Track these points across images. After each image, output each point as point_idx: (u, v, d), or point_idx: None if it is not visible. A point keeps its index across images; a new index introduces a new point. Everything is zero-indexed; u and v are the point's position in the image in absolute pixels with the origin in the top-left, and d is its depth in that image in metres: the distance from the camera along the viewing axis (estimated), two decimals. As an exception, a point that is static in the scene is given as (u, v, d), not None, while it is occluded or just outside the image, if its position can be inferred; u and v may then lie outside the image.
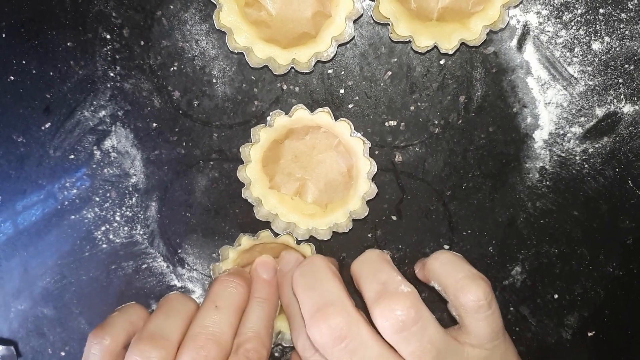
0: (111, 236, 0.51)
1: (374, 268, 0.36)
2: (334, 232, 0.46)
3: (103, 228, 0.51)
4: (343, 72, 0.45)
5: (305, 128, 0.45)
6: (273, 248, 0.48)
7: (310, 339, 0.34)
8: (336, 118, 0.43)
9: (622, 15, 0.41)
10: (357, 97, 0.45)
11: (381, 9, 0.40)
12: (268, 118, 0.44)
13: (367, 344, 0.33)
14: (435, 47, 0.40)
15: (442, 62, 0.44)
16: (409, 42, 0.41)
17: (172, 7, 0.45)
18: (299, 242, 0.46)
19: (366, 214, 0.44)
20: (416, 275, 0.43)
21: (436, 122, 0.45)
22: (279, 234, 0.46)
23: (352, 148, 0.44)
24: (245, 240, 0.46)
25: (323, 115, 0.43)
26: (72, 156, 0.49)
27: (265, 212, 0.46)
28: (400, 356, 0.34)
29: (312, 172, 0.46)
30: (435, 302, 0.46)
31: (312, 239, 0.46)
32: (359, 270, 0.36)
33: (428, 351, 0.34)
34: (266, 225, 0.47)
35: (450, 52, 0.40)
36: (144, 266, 0.51)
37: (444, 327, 0.36)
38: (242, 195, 0.45)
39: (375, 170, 0.43)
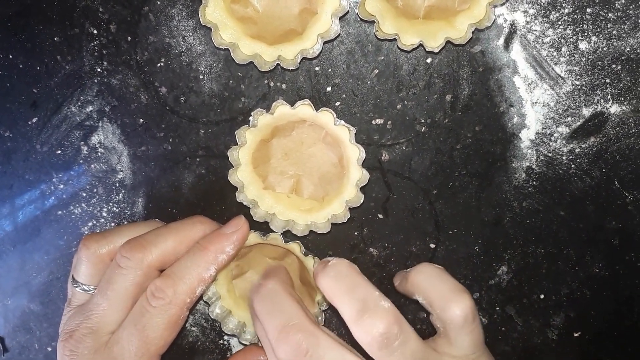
0: (98, 232, 0.51)
1: (350, 283, 0.36)
2: (331, 224, 0.45)
3: (90, 224, 0.51)
4: (330, 70, 0.45)
5: (290, 124, 0.45)
6: (276, 250, 0.48)
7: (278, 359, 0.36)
8: None
9: (610, 14, 0.41)
10: (344, 95, 0.45)
11: (367, 6, 0.40)
12: (250, 118, 0.44)
13: (327, 350, 0.35)
14: (421, 45, 0.40)
15: (428, 60, 0.44)
16: (395, 40, 0.40)
17: (159, 2, 0.45)
18: (299, 238, 0.46)
19: (362, 201, 0.44)
20: (396, 288, 0.43)
21: (423, 121, 0.45)
22: (276, 233, 0.46)
23: (338, 137, 0.44)
24: (252, 237, 0.46)
25: (304, 108, 0.43)
26: (59, 151, 0.49)
27: (262, 213, 0.46)
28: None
29: (304, 167, 0.46)
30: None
31: (311, 234, 0.46)
32: (332, 286, 0.37)
33: None
34: (254, 222, 0.46)
35: (436, 51, 0.40)
36: (130, 262, 0.51)
37: (423, 336, 0.38)
38: (237, 199, 0.45)
39: (364, 155, 0.43)
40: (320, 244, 0.49)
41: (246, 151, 0.45)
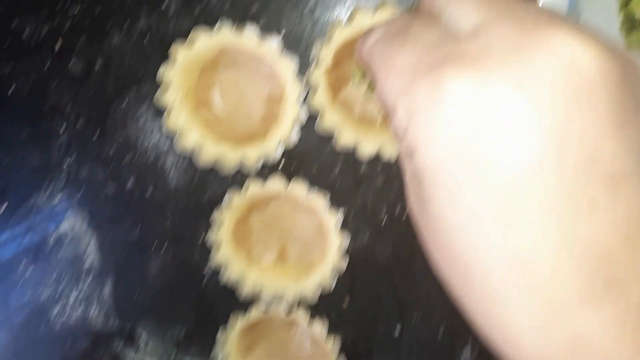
0: (66, 315, 0.52)
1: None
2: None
3: (58, 307, 0.52)
4: (293, 166, 0.46)
5: (265, 199, 0.46)
6: (279, 323, 0.49)
7: None
8: None
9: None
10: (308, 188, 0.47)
11: (326, 120, 0.41)
12: (224, 201, 0.45)
13: None
14: (379, 152, 0.42)
15: (388, 157, 0.45)
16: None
17: (126, 102, 0.46)
18: (289, 311, 0.47)
19: (345, 265, 0.45)
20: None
21: (383, 213, 0.47)
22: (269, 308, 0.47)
23: (314, 205, 0.45)
24: (254, 314, 0.47)
25: (276, 184, 0.44)
26: (27, 238, 0.50)
27: (249, 289, 0.47)
28: None
29: (288, 234, 0.47)
30: None
31: (300, 304, 0.47)
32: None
33: None
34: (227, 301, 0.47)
35: (394, 159, 0.42)
36: (99, 345, 0.52)
37: None
38: (222, 281, 0.46)
39: (342, 218, 0.44)
40: (286, 329, 0.50)
41: (225, 231, 0.46)
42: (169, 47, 0.42)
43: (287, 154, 0.45)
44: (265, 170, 0.46)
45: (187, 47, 0.41)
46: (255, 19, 0.44)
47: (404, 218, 0.47)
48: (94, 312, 0.51)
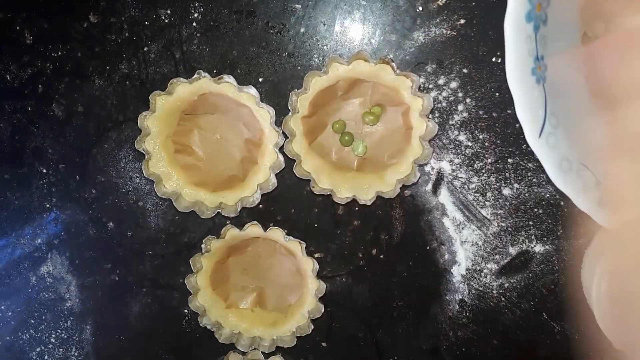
0: (46, 357, 0.51)
1: None
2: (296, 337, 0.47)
3: (38, 349, 0.51)
4: (272, 208, 0.47)
5: (244, 241, 0.46)
6: None
7: None
8: None
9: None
10: (286, 230, 0.47)
11: (304, 165, 0.42)
12: (202, 246, 0.45)
13: None
14: (355, 197, 0.43)
15: (362, 201, 0.46)
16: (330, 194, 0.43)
17: (106, 145, 0.47)
18: (267, 355, 0.47)
19: (322, 311, 0.46)
20: None
21: (360, 255, 0.47)
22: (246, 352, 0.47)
23: (292, 250, 0.46)
24: (232, 357, 0.47)
25: (254, 228, 0.44)
26: (8, 280, 0.50)
27: (228, 333, 0.47)
28: None
29: (265, 278, 0.47)
30: None
31: (278, 349, 0.47)
32: None
33: None
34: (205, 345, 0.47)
35: (369, 203, 0.42)
36: (77, 387, 0.52)
37: None
38: (200, 324, 0.46)
39: (318, 267, 0.45)
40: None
41: (203, 275, 0.46)
42: (149, 92, 0.43)
43: (265, 197, 0.46)
44: (244, 214, 0.47)
45: (166, 93, 0.42)
46: (234, 65, 0.45)
47: (381, 257, 0.47)
48: (73, 355, 0.51)
